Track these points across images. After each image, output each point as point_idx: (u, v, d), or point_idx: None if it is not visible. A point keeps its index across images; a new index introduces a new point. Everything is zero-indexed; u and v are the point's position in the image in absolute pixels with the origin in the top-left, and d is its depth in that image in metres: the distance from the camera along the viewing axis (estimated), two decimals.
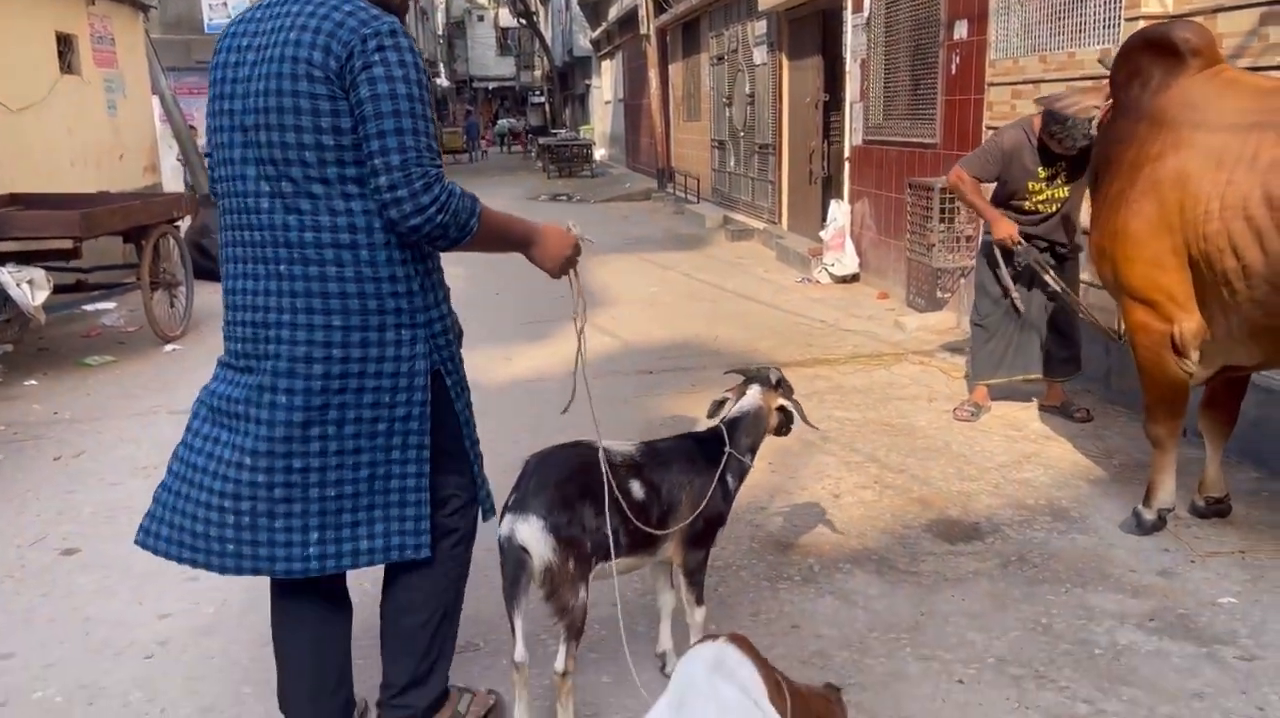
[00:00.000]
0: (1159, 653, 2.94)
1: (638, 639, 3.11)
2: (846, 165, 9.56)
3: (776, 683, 1.86)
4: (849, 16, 9.32)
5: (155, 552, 2.35)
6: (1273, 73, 4.02)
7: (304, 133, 2.14)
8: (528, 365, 6.49)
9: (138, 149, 11.96)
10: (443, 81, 44.53)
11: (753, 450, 2.86)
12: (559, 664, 2.50)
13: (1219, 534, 3.69)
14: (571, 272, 2.52)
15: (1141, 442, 4.46)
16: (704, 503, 2.69)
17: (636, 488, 2.60)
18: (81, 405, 5.96)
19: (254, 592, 3.50)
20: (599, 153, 28.67)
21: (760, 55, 12.52)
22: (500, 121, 48.94)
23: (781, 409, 2.90)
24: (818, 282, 9.29)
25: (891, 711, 2.71)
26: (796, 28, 11.33)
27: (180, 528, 2.31)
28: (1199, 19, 4.27)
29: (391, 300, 2.24)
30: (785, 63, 11.74)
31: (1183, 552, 3.56)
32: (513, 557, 2.43)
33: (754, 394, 2.87)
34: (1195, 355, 3.42)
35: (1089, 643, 3.01)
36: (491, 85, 56.65)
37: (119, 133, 11.37)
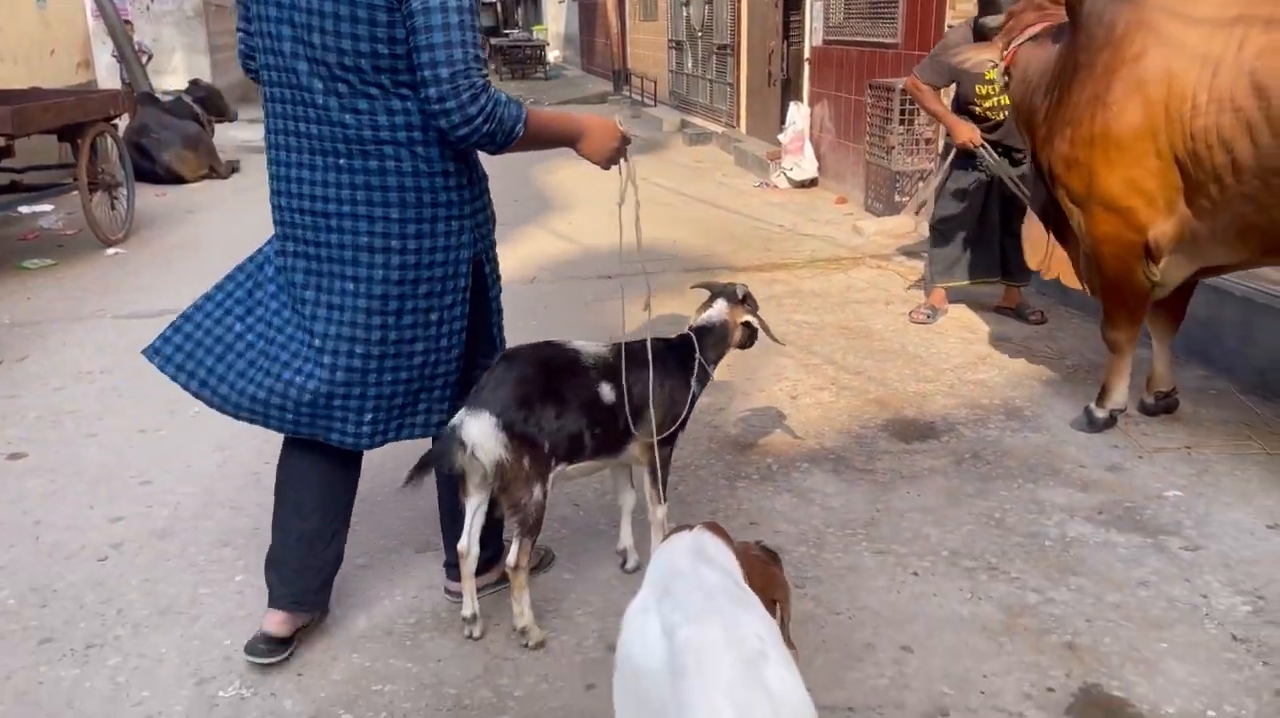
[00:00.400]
0: (1106, 544, 3.02)
1: (599, 537, 3.13)
2: (806, 67, 9.40)
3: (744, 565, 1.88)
4: None
5: (197, 395, 2.49)
6: None
7: (360, 41, 2.19)
8: None
9: (70, 44, 11.41)
10: None
11: (715, 362, 2.89)
12: (510, 559, 2.52)
13: (1166, 431, 3.77)
14: (622, 161, 2.60)
15: (1094, 342, 4.53)
16: (674, 407, 2.71)
17: (605, 390, 2.59)
18: (21, 309, 5.78)
19: (208, 495, 3.47)
20: (552, 54, 27.93)
21: None
22: None
23: (746, 325, 2.94)
24: (776, 186, 9.21)
25: (848, 602, 2.76)
26: None
27: (235, 387, 2.45)
28: None
29: (444, 194, 2.35)
30: None
31: (1131, 448, 3.64)
32: (452, 447, 2.42)
33: (720, 308, 2.90)
34: (1165, 261, 3.43)
35: (1039, 536, 3.08)
36: None
37: (49, 26, 10.81)
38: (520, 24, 36.26)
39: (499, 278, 2.64)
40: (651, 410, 2.66)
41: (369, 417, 2.43)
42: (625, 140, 2.58)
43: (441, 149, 2.31)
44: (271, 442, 3.88)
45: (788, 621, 2.01)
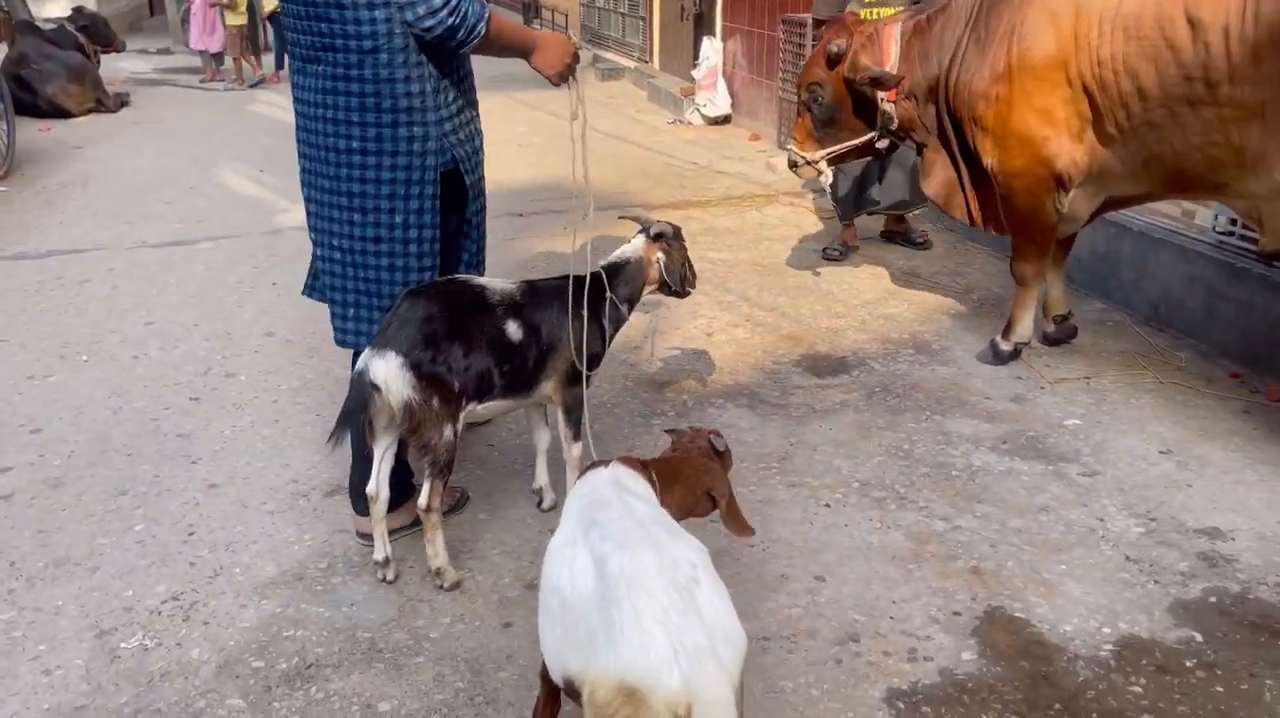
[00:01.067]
0: (1010, 472, 3.11)
1: (514, 477, 3.11)
2: (719, 1, 9.29)
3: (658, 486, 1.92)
4: None
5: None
6: None
7: None
8: None
9: None
10: None
11: (630, 301, 2.83)
12: (422, 501, 2.48)
13: (1067, 362, 3.88)
14: (571, 78, 2.69)
15: (999, 278, 4.63)
16: (585, 346, 2.64)
17: (513, 329, 2.54)
18: None
19: (103, 443, 3.33)
20: None
21: None
22: None
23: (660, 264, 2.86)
24: (690, 123, 9.14)
25: (762, 534, 2.79)
26: None
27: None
28: None
29: (404, 100, 2.48)
30: None
31: (1034, 379, 3.74)
32: (361, 392, 2.37)
33: (636, 244, 2.84)
34: (1074, 193, 3.49)
35: (946, 466, 3.15)
36: None
37: None
38: None
39: (482, 193, 2.74)
40: (572, 346, 2.62)
41: (350, 312, 2.63)
42: (576, 58, 2.68)
43: (405, 56, 2.43)
44: (170, 388, 3.76)
45: (733, 510, 2.09)
